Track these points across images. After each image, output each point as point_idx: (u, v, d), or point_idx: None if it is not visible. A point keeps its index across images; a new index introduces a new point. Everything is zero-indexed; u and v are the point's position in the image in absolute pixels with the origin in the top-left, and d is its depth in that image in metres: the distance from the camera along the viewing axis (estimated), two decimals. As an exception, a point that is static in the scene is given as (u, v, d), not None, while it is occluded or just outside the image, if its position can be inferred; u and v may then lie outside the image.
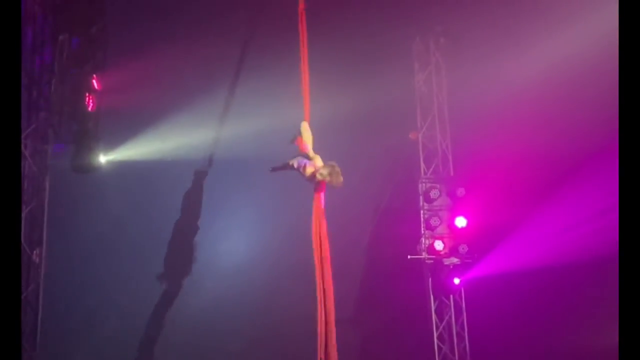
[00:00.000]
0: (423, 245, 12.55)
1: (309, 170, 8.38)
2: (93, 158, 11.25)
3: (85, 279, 11.41)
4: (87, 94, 11.06)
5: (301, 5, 8.93)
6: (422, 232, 12.59)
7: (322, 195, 8.43)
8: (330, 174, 8.22)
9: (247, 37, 11.98)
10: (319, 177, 8.28)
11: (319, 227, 8.39)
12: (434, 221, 12.50)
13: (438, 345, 12.46)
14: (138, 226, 11.60)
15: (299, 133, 8.49)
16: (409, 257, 12.46)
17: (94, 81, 11.09)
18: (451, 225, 12.52)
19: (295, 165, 8.57)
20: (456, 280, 12.41)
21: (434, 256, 12.50)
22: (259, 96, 11.69)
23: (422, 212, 12.64)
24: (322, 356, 8.28)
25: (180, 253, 11.87)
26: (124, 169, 11.53)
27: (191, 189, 11.91)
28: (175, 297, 11.75)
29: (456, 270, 12.44)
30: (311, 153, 8.44)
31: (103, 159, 11.40)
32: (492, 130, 12.07)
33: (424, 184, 12.72)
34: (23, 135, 11.08)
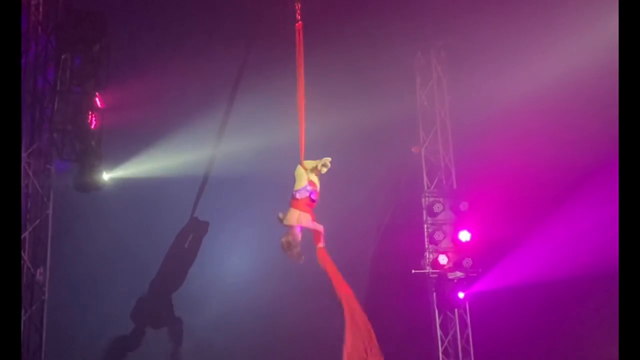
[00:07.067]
0: (427, 260, 12.51)
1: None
2: (96, 176, 11.23)
3: (89, 298, 11.40)
4: (90, 112, 11.07)
5: (298, 23, 8.94)
6: (426, 246, 12.56)
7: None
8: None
9: (246, 55, 12.01)
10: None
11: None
12: (437, 235, 12.47)
13: (443, 360, 12.44)
14: (141, 244, 11.59)
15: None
16: (413, 271, 12.43)
17: (97, 99, 11.11)
18: (455, 239, 12.48)
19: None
20: (461, 295, 12.37)
21: (438, 270, 12.46)
22: (260, 113, 11.72)
23: (425, 226, 12.62)
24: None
25: (184, 271, 11.85)
26: (127, 187, 11.53)
27: (193, 206, 11.91)
28: (180, 315, 11.73)
29: (460, 284, 12.40)
30: None
31: (106, 176, 11.39)
32: (495, 143, 12.05)
33: (427, 198, 12.69)
34: (26, 154, 11.12)
